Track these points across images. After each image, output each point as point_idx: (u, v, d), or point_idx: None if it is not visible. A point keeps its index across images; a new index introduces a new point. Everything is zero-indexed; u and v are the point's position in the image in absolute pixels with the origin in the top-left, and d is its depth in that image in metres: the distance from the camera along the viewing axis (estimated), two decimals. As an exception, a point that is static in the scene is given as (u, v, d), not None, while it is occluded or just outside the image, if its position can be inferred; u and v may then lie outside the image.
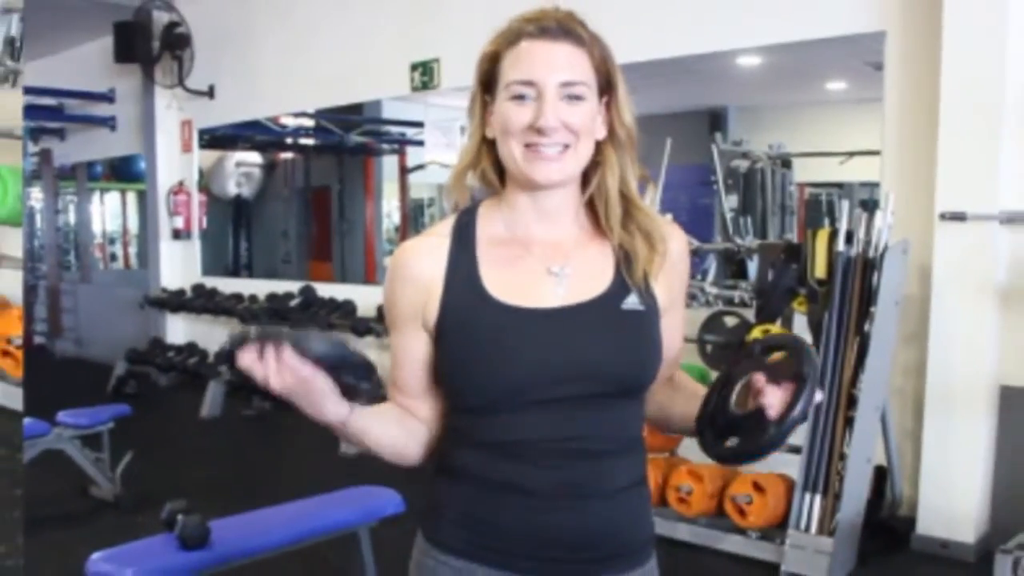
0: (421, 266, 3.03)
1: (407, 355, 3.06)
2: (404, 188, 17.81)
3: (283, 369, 2.67)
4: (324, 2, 13.35)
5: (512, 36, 2.96)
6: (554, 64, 2.93)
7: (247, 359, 2.66)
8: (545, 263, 3.02)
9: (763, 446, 2.82)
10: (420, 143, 15.08)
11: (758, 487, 7.88)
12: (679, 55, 9.69)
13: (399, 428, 3.05)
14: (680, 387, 3.23)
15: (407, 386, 3.07)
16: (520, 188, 3.02)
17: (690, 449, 8.89)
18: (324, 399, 2.76)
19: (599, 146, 3.01)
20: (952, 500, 8.01)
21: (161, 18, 15.27)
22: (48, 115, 17.47)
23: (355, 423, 2.95)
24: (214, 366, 14.16)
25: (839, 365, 7.76)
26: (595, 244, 3.07)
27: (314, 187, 17.65)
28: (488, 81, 3.01)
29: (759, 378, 2.83)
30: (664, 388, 3.22)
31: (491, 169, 3.05)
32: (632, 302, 3.02)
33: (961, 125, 7.89)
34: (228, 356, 2.72)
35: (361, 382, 2.81)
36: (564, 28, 2.95)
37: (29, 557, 5.03)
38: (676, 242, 3.13)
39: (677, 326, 3.28)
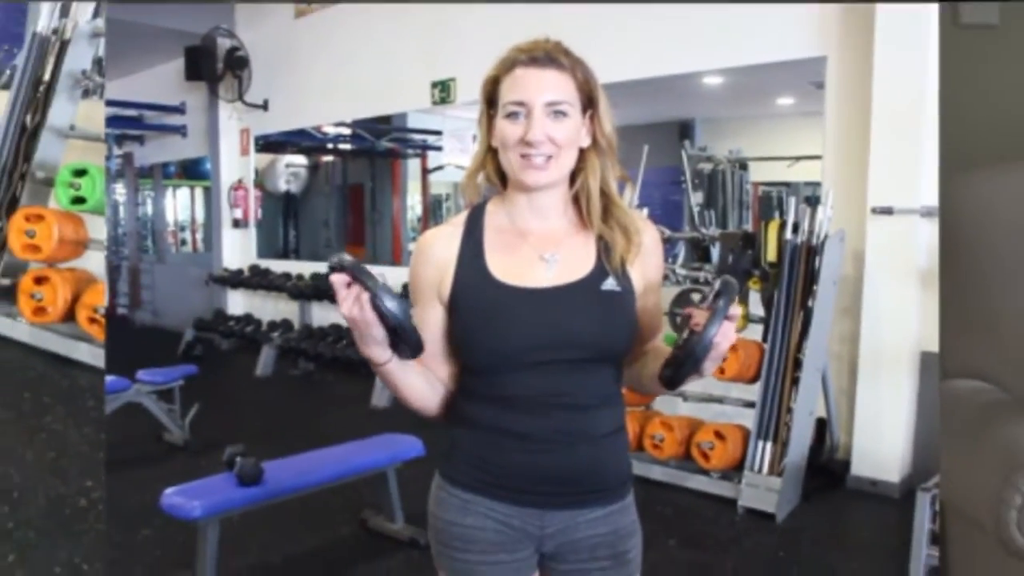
0: (439, 250, 3.10)
1: (426, 324, 3.08)
2: (425, 186, 17.81)
3: (355, 305, 2.77)
4: (359, 31, 13.34)
5: (509, 64, 3.03)
6: (541, 87, 2.99)
7: (338, 281, 2.77)
8: (539, 251, 3.07)
9: (693, 353, 2.87)
10: (439, 148, 15.11)
11: (719, 435, 7.92)
12: (654, 76, 9.68)
13: (423, 382, 3.10)
14: (656, 354, 3.20)
15: (428, 350, 3.05)
16: (518, 189, 3.07)
17: (662, 403, 8.93)
18: (373, 342, 2.84)
19: (584, 152, 3.06)
20: (880, 446, 8.05)
21: (224, 43, 15.27)
22: (130, 124, 17.49)
23: (391, 368, 3.02)
24: (268, 333, 14.14)
25: (787, 334, 7.78)
26: (580, 235, 3.11)
27: (350, 184, 17.61)
28: (491, 100, 3.07)
29: (692, 311, 2.93)
30: (643, 356, 3.26)
31: (495, 173, 3.10)
32: (610, 284, 3.07)
33: (888, 134, 7.96)
34: (331, 268, 2.84)
35: (405, 345, 2.89)
36: (550, 57, 3.01)
37: (113, 492, 5.01)
38: (648, 235, 3.18)
39: (655, 305, 3.33)
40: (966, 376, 4.52)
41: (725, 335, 2.82)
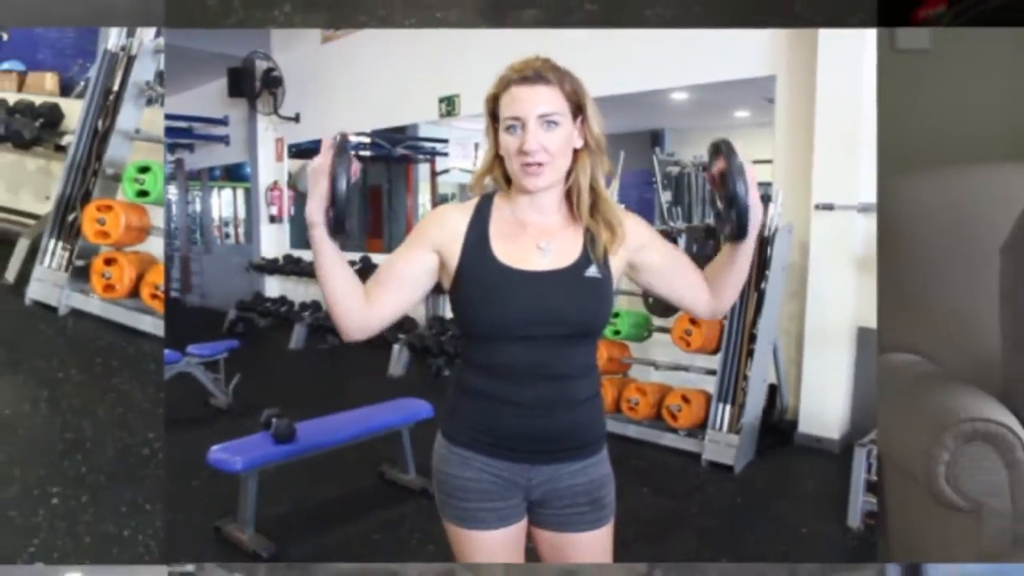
0: (451, 220, 3.14)
1: (401, 260, 3.18)
2: (434, 187, 17.78)
3: (324, 164, 2.97)
4: (376, 53, 13.32)
5: (505, 83, 3.06)
6: (533, 102, 3.01)
7: (328, 143, 2.97)
8: (536, 240, 3.09)
9: (734, 198, 3.16)
10: (445, 154, 15.11)
11: (685, 399, 7.92)
12: (630, 92, 9.67)
13: (356, 291, 3.17)
14: (715, 280, 3.40)
15: (384, 279, 3.21)
16: (520, 190, 3.10)
17: (637, 372, 8.98)
18: (314, 199, 2.99)
19: (576, 152, 3.08)
20: (823, 409, 8.07)
21: (261, 65, 15.25)
22: (182, 134, 17.49)
23: (330, 251, 3.15)
24: (299, 313, 14.12)
25: (743, 312, 7.78)
26: (571, 228, 3.14)
27: (370, 186, 17.56)
28: (494, 114, 3.10)
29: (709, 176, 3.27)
30: (713, 289, 3.41)
31: (500, 175, 3.12)
32: (592, 272, 3.12)
33: (829, 141, 7.99)
34: (334, 137, 3.03)
35: (333, 222, 3.05)
36: (539, 74, 3.02)
37: (167, 448, 5.01)
38: (631, 223, 3.21)
39: (676, 267, 3.42)
40: (901, 350, 4.53)
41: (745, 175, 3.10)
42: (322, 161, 2.95)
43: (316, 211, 2.97)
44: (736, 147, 3.13)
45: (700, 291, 3.32)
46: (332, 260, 3.09)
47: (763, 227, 7.89)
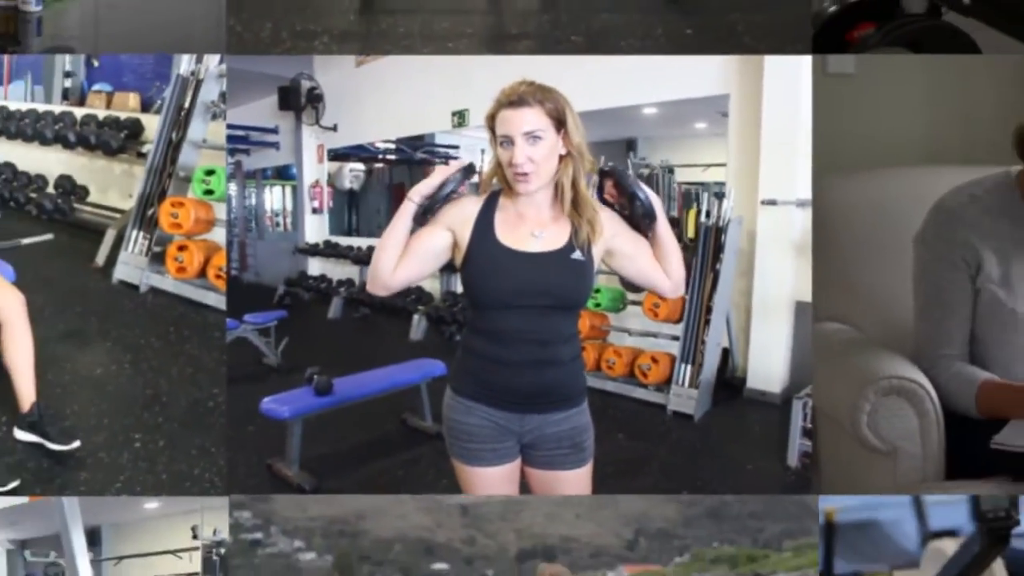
0: (466, 206, 3.22)
1: (422, 236, 3.26)
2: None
3: (451, 171, 3.15)
4: (400, 74, 13.26)
5: (497, 106, 3.14)
6: (519, 123, 3.08)
7: (459, 164, 3.22)
8: (531, 229, 3.15)
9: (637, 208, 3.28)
10: (456, 158, 15.08)
11: (654, 360, 7.94)
12: (609, 107, 9.63)
13: (395, 257, 3.29)
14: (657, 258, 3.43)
15: (408, 251, 3.28)
16: (515, 192, 3.18)
17: (614, 337, 8.96)
18: (426, 189, 3.19)
19: (562, 158, 3.13)
20: (767, 368, 8.08)
21: (305, 84, 15.21)
22: (240, 141, 17.48)
23: (403, 222, 3.24)
24: (336, 288, 14.10)
25: (701, 289, 7.78)
26: (561, 220, 3.19)
27: (394, 184, 17.53)
28: (493, 130, 3.18)
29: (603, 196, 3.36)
30: (662, 267, 3.46)
31: (502, 178, 3.19)
32: (576, 255, 3.17)
33: (773, 148, 7.98)
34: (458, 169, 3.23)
35: (422, 211, 3.19)
36: (523, 98, 3.09)
37: (228, 401, 5.02)
38: (604, 216, 3.26)
39: (642, 252, 3.44)
40: (832, 320, 4.55)
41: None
42: (449, 170, 3.17)
43: (419, 194, 3.17)
44: (619, 168, 3.28)
45: (661, 272, 3.37)
46: (401, 229, 3.19)
47: (718, 219, 7.92)
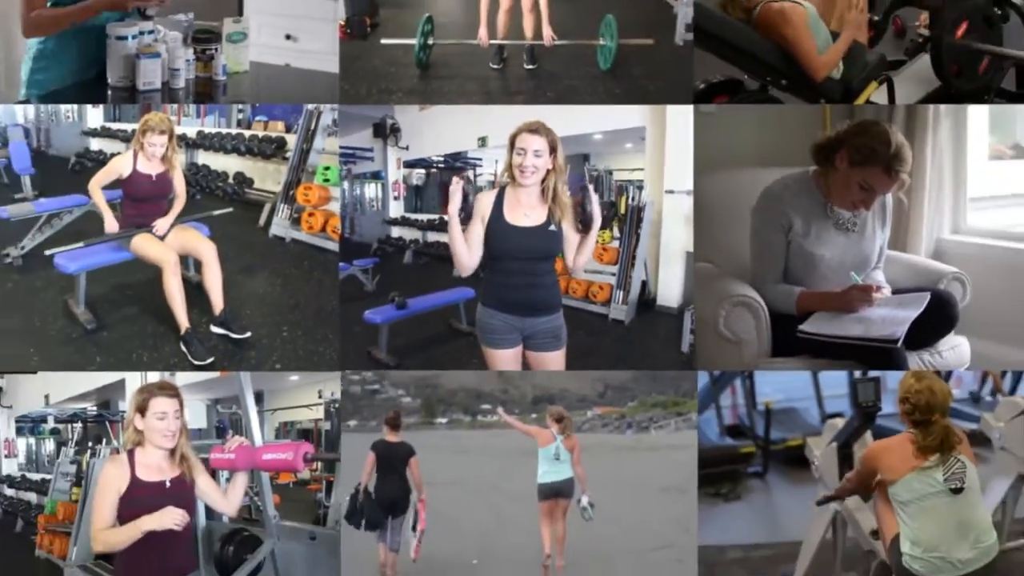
0: (487, 198, 3.35)
1: (474, 234, 3.32)
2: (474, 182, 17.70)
3: (458, 194, 3.23)
4: (445, 115, 13.03)
5: (519, 130, 3.26)
6: (532, 142, 3.23)
7: (459, 179, 3.29)
8: (524, 211, 3.31)
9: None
10: (481, 166, 14.96)
11: (601, 287, 7.82)
12: (571, 134, 9.48)
13: (467, 249, 3.33)
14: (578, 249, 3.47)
15: (472, 243, 3.35)
16: (518, 185, 3.30)
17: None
18: (454, 207, 3.23)
19: (549, 171, 3.27)
20: (669, 293, 7.89)
21: (389, 121, 14.88)
22: (349, 157, 17.03)
23: (456, 227, 3.29)
24: (409, 243, 13.89)
25: (629, 244, 7.68)
26: (542, 207, 3.32)
27: (442, 181, 17.33)
28: (512, 144, 3.26)
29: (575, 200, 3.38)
30: (575, 256, 3.50)
31: (510, 176, 3.33)
32: (551, 228, 3.30)
33: (672, 157, 7.75)
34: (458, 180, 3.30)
35: (464, 215, 3.25)
36: (535, 130, 3.26)
37: (341, 311, 5.04)
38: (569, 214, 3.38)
39: (571, 237, 3.47)
40: (705, 262, 4.57)
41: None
42: (457, 185, 3.24)
43: (455, 210, 3.23)
44: (591, 189, 3.34)
45: (571, 255, 3.41)
46: (458, 235, 3.27)
47: (639, 202, 7.86)
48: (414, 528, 4.69)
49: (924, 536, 2.93)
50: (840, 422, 3.89)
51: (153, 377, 4.16)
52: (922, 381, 3.04)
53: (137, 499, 2.79)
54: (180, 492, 2.88)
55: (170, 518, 2.74)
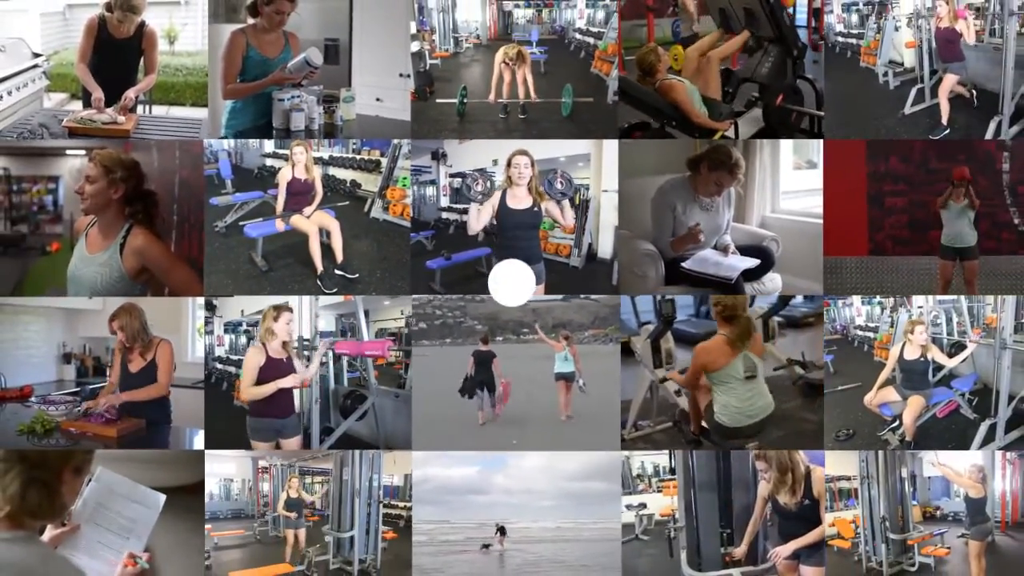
0: (497, 195, 3.42)
1: (484, 209, 3.45)
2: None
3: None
4: (472, 147, 12.82)
5: (513, 154, 3.40)
6: (520, 161, 3.31)
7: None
8: (519, 201, 3.29)
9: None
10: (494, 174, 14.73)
11: (564, 247, 6.95)
12: (544, 157, 9.26)
13: (478, 221, 3.46)
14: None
15: (483, 213, 3.46)
16: (514, 185, 3.30)
17: (549, 238, 8.67)
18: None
19: (531, 177, 3.18)
20: (605, 249, 6.96)
21: (440, 150, 14.55)
22: (417, 172, 16.90)
23: (478, 207, 3.40)
24: (452, 222, 13.83)
25: (583, 223, 7.03)
26: (529, 197, 3.43)
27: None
28: (508, 163, 3.40)
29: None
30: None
31: (507, 181, 3.28)
32: (535, 209, 3.35)
33: (607, 171, 7.11)
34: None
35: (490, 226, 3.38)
36: (522, 152, 3.33)
37: (411, 265, 4.93)
38: (548, 200, 3.49)
39: (557, 211, 3.64)
40: (628, 231, 4.58)
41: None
42: (479, 177, 3.45)
43: (478, 195, 3.38)
44: (557, 182, 3.40)
45: (559, 217, 3.62)
46: (474, 209, 3.54)
47: (586, 197, 7.45)
48: (497, 399, 4.92)
49: (732, 402, 3.18)
50: (650, 328, 4.05)
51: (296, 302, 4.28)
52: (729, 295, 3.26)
53: (267, 368, 3.29)
54: (289, 365, 3.36)
55: (297, 380, 3.33)
